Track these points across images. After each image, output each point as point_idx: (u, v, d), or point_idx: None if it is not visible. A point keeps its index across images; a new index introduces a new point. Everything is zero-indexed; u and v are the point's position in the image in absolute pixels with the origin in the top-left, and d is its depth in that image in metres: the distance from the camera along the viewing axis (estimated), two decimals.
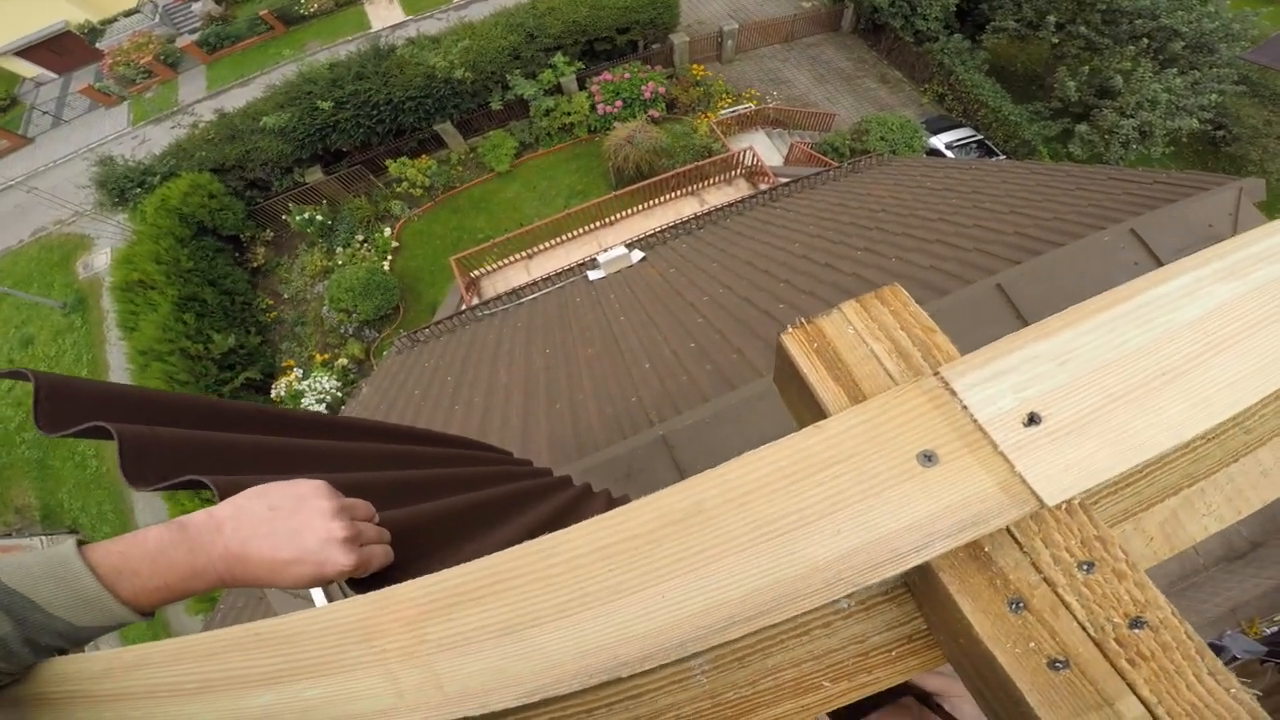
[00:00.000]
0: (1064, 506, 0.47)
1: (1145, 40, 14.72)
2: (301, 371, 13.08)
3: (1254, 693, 0.43)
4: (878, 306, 0.58)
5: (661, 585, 0.45)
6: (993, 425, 0.47)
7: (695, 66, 18.19)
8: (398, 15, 24.12)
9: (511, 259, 11.23)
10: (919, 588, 0.54)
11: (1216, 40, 14.27)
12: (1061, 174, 6.26)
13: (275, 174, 15.49)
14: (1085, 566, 0.46)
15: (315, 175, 15.68)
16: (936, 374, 0.51)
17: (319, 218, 15.17)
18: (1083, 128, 15.06)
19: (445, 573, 0.48)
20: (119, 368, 14.24)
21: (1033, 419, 0.46)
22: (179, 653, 0.50)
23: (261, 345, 13.84)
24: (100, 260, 17.18)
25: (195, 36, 24.22)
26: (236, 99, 18.78)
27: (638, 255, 7.95)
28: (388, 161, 16.06)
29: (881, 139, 15.00)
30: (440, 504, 1.05)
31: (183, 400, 0.86)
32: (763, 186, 11.10)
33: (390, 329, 13.82)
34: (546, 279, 8.29)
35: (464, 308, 8.62)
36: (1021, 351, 0.50)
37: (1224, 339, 0.49)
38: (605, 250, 8.12)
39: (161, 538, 0.60)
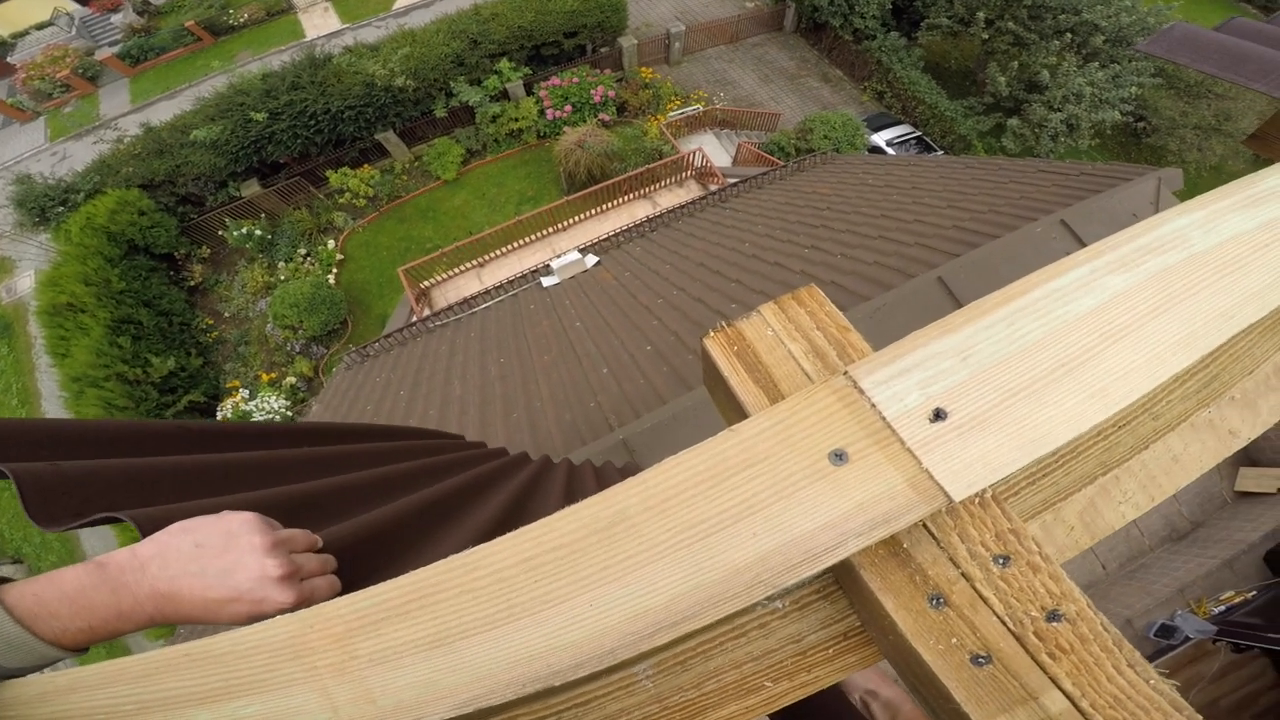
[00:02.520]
0: (977, 500, 0.49)
1: (1069, 35, 15.36)
2: (248, 392, 12.61)
3: (1173, 683, 0.45)
4: (795, 308, 0.59)
5: (588, 594, 0.45)
6: (900, 422, 0.48)
7: (644, 69, 18.27)
8: (334, 24, 23.61)
9: (462, 268, 11.07)
10: (847, 585, 0.55)
11: (1134, 34, 14.93)
12: (994, 167, 6.49)
13: (209, 188, 14.96)
14: (1001, 560, 0.48)
15: (252, 189, 15.19)
16: (845, 373, 0.52)
17: (258, 232, 14.69)
18: (1014, 122, 15.60)
19: (372, 589, 0.48)
20: (51, 395, 13.57)
21: (938, 415, 0.48)
22: (114, 675, 0.49)
23: (204, 367, 13.32)
24: (24, 283, 16.33)
25: (116, 49, 23.37)
26: (163, 112, 18.14)
27: (592, 260, 7.94)
28: (328, 172, 15.63)
29: (825, 137, 15.31)
30: (387, 511, 1.02)
31: (91, 427, 0.80)
32: (713, 187, 11.22)
33: (339, 344, 13.44)
34: (499, 287, 8.21)
35: (415, 320, 8.49)
36: (926, 348, 0.52)
37: (1117, 330, 0.51)
38: (559, 256, 8.08)
39: (79, 579, 0.58)
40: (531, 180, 16.32)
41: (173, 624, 0.62)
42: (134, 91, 22.42)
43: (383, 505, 1.04)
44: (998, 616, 0.47)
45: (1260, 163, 15.43)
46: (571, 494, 1.86)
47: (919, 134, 16.79)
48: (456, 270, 11.06)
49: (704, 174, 12.20)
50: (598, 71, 17.28)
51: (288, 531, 0.71)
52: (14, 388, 14.51)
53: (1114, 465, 0.66)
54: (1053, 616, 0.46)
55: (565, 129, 15.66)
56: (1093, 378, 0.49)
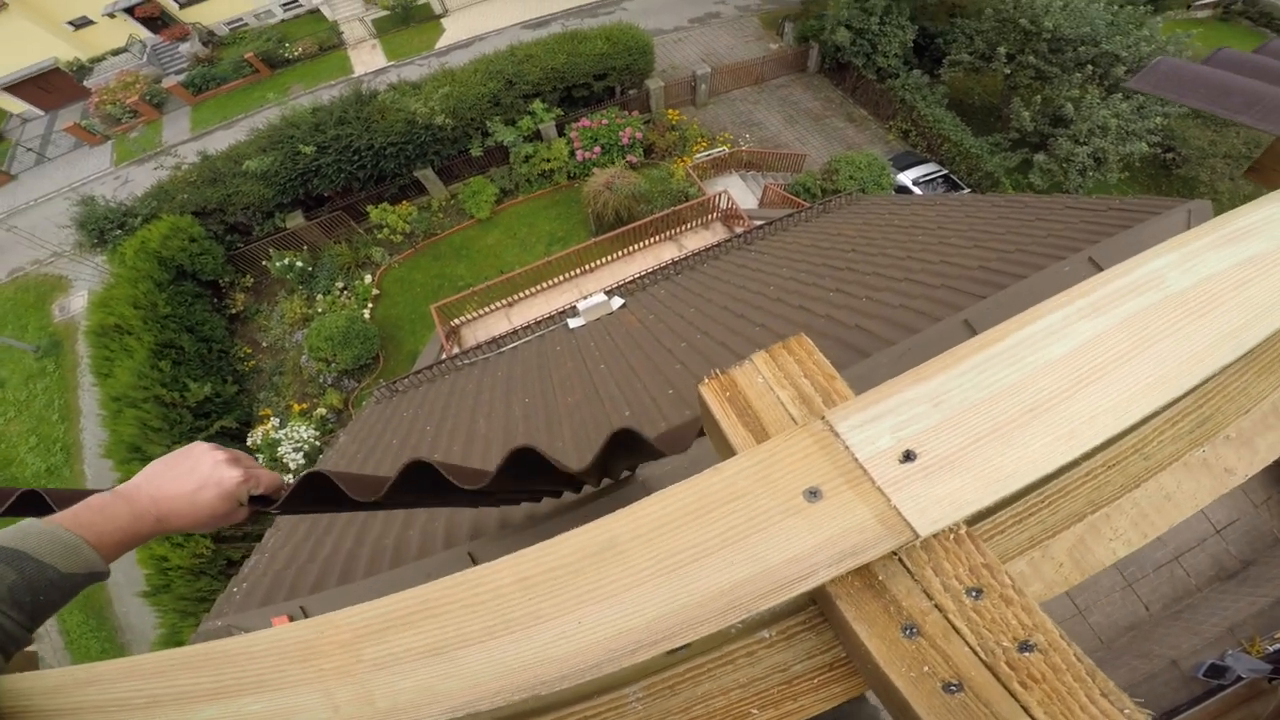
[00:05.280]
0: (951, 536, 0.52)
1: (1090, 67, 15.26)
2: (279, 420, 12.87)
3: (1148, 712, 0.46)
4: (785, 356, 0.63)
5: (577, 612, 0.48)
6: (871, 463, 0.51)
7: (671, 111, 18.51)
8: (380, 61, 24.56)
9: (492, 307, 11.20)
10: (829, 615, 0.57)
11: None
12: (1021, 205, 6.44)
13: (256, 218, 15.48)
14: (974, 593, 0.50)
15: (296, 220, 15.69)
16: (823, 418, 0.55)
17: (299, 264, 15.10)
18: (1041, 157, 15.46)
19: (380, 600, 0.52)
20: (91, 413, 14.01)
21: (908, 456, 0.51)
22: (129, 670, 0.53)
23: (238, 394, 13.66)
24: (77, 303, 17.01)
25: (181, 77, 24.47)
26: (220, 141, 18.90)
27: (617, 302, 8.01)
28: (369, 207, 16.09)
29: (850, 178, 15.29)
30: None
31: None
32: (738, 230, 11.24)
33: (370, 378, 13.70)
34: (527, 327, 8.28)
35: (444, 357, 8.57)
36: (900, 395, 0.54)
37: (1090, 373, 0.54)
38: (585, 298, 8.15)
39: (103, 498, 0.78)
40: (561, 220, 16.59)
41: (172, 528, 0.84)
42: (194, 119, 23.37)
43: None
44: (970, 646, 0.49)
45: None
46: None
47: (945, 172, 16.71)
48: (487, 309, 11.21)
49: (730, 216, 12.27)
50: (626, 113, 17.55)
51: (236, 452, 0.93)
52: (56, 404, 15.04)
53: (1104, 504, 0.68)
54: (1025, 647, 0.48)
55: (594, 170, 15.96)
56: (1061, 421, 0.52)
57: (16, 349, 16.00)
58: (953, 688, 0.48)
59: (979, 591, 0.50)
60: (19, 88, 25.57)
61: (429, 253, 16.50)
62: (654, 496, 0.52)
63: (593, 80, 16.96)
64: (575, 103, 17.47)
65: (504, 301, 11.22)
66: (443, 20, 26.54)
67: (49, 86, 26.15)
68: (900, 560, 0.51)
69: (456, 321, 11.15)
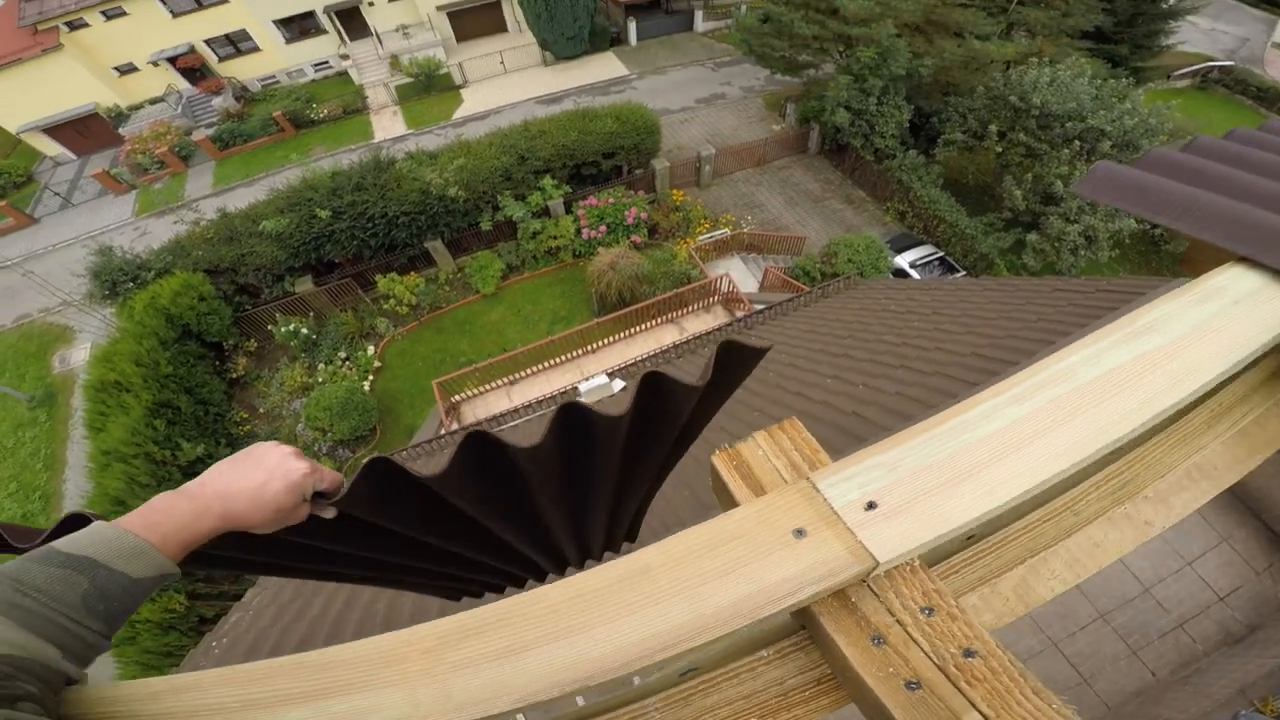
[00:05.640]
0: (908, 567, 0.67)
1: (1077, 143, 15.49)
2: None
3: (1073, 708, 0.60)
4: (780, 434, 0.80)
5: (616, 622, 0.62)
6: (843, 510, 0.67)
7: (675, 192, 18.78)
8: (400, 128, 25.24)
9: (493, 384, 11.18)
10: (814, 633, 0.72)
11: (1138, 137, 15.00)
12: (1012, 288, 6.61)
13: (267, 280, 15.51)
14: (926, 611, 0.65)
15: (306, 285, 15.74)
16: (807, 478, 0.71)
17: (304, 331, 15.11)
18: (1033, 236, 15.71)
19: (457, 615, 0.65)
20: (77, 465, 13.88)
21: (871, 505, 0.67)
22: (226, 678, 0.63)
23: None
24: (78, 355, 16.97)
25: (211, 131, 25.04)
26: (240, 198, 19.16)
27: (619, 384, 8.06)
28: (377, 277, 16.14)
29: (849, 261, 15.46)
30: None
31: None
32: (739, 314, 11.48)
33: (365, 450, 13.56)
34: (528, 406, 8.27)
35: (443, 433, 8.52)
36: (864, 462, 0.71)
37: (1010, 446, 0.70)
38: (587, 379, 8.18)
39: (166, 498, 0.78)
40: (565, 299, 16.64)
41: (237, 525, 0.83)
42: (217, 175, 23.74)
43: None
44: (925, 653, 0.63)
45: None
46: None
47: (941, 254, 16.88)
48: (488, 386, 11.18)
49: (731, 300, 12.43)
50: (632, 193, 17.77)
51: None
52: (43, 453, 14.88)
53: (1041, 550, 0.83)
54: (968, 653, 0.62)
55: (599, 249, 16.09)
56: (984, 481, 0.68)
57: (11, 397, 15.90)
58: (913, 686, 0.62)
59: (930, 610, 0.65)
60: (58, 130, 26.03)
61: (433, 326, 16.52)
62: (677, 535, 0.67)
63: (601, 159, 17.28)
64: (583, 180, 17.75)
65: (505, 380, 11.20)
66: (462, 91, 27.42)
67: (86, 131, 26.59)
68: (869, 586, 0.66)
69: (457, 398, 11.12)
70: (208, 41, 27.60)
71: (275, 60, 29.34)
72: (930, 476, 0.68)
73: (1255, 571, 3.69)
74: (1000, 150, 17.20)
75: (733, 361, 0.96)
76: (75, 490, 13.66)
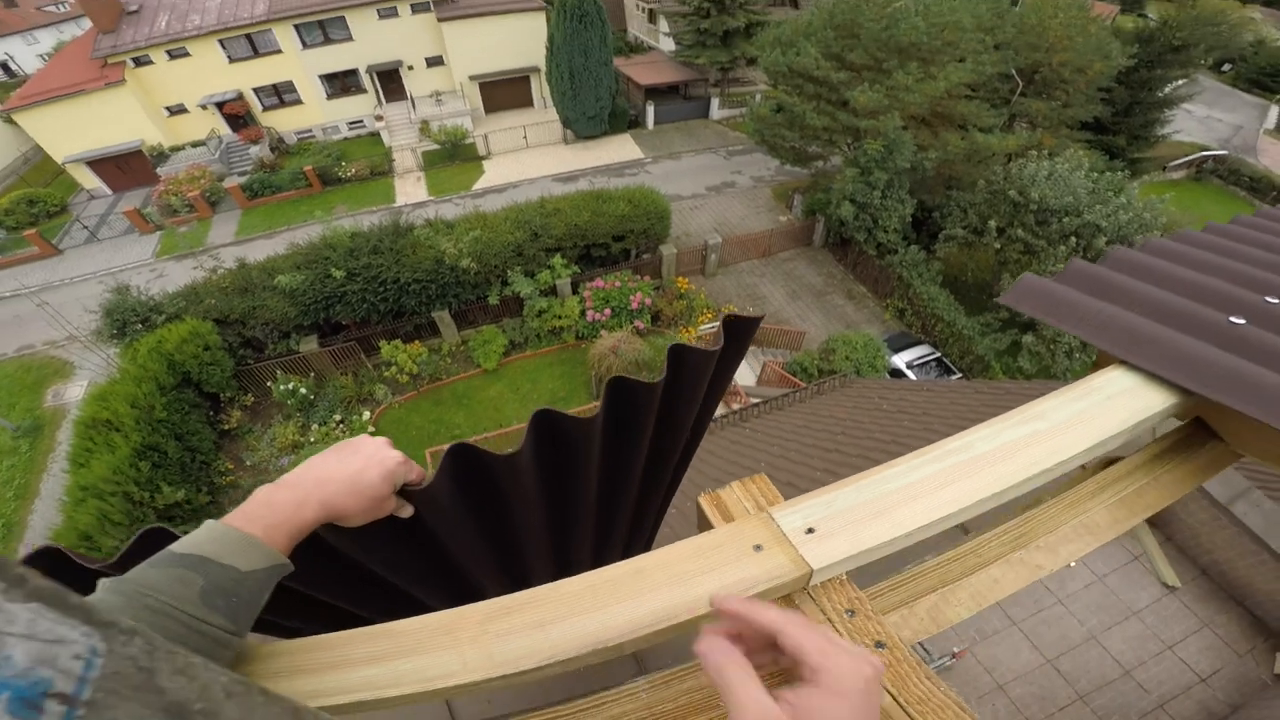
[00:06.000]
0: (838, 581, 0.90)
1: (1073, 239, 15.56)
2: None
3: (957, 694, 0.81)
4: (750, 484, 1.03)
5: (623, 604, 0.83)
6: (790, 533, 0.90)
7: (681, 279, 18.94)
8: (422, 194, 25.92)
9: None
10: None
11: (1133, 232, 15.16)
12: (1002, 391, 6.83)
13: (273, 336, 15.57)
14: (849, 613, 0.87)
15: (310, 345, 15.76)
16: (764, 510, 0.95)
17: (302, 390, 15.07)
18: (1029, 339, 15.66)
19: (499, 598, 0.86)
20: (50, 497, 13.84)
21: (810, 530, 0.90)
22: (338, 641, 0.82)
23: (209, 504, 13.30)
24: (73, 391, 16.99)
25: (243, 179, 25.50)
26: (259, 250, 19.39)
27: None
28: (382, 342, 16.18)
29: (847, 358, 15.52)
30: None
31: None
32: (735, 406, 11.65)
33: None
34: None
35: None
36: (808, 501, 0.95)
37: (915, 495, 0.94)
38: None
39: (265, 489, 0.82)
40: (564, 380, 16.63)
41: (334, 513, 0.85)
42: (242, 224, 24.08)
43: None
44: (848, 640, 0.84)
45: None
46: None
47: (938, 355, 16.87)
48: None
49: (729, 393, 12.54)
50: (638, 277, 17.91)
51: None
52: (16, 482, 14.82)
53: (950, 582, 1.07)
54: (879, 644, 0.84)
55: (602, 332, 16.19)
56: (894, 517, 0.91)
57: None
58: None
59: (852, 612, 0.87)
60: (100, 164, 26.75)
61: (431, 397, 16.50)
62: (666, 546, 0.90)
63: (612, 241, 17.56)
64: (592, 261, 17.97)
65: None
66: (484, 162, 28.29)
67: (127, 167, 27.31)
68: (808, 592, 0.89)
69: None
70: (255, 90, 28.94)
71: (314, 114, 30.69)
72: (855, 512, 0.92)
73: (1237, 654, 3.75)
74: (999, 246, 17.36)
75: (739, 330, 1.12)
76: (42, 522, 13.57)
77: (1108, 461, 1.39)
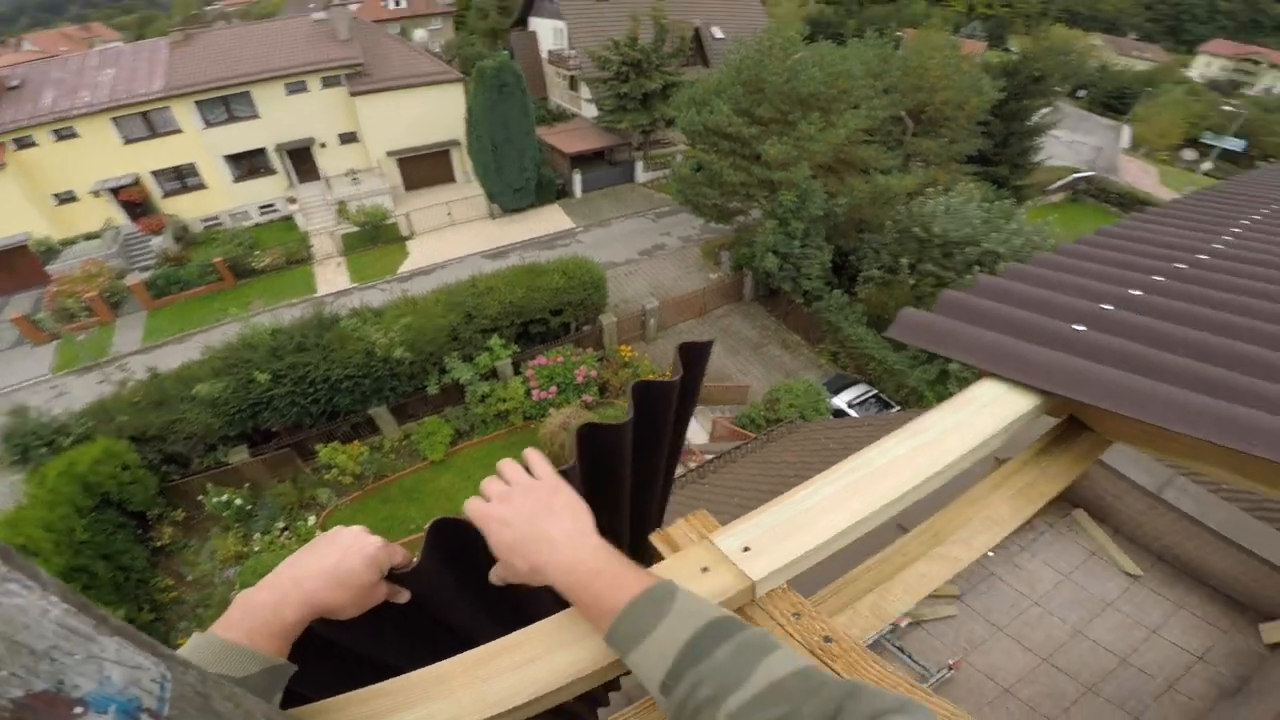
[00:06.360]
0: (781, 589, 1.04)
1: (977, 267, 16.54)
2: None
3: (904, 675, 0.95)
4: (693, 519, 1.18)
5: (591, 636, 0.95)
6: (730, 553, 1.04)
7: (623, 347, 18.91)
8: (344, 281, 24.43)
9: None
10: None
11: (1027, 254, 15.94)
12: None
13: (198, 449, 14.53)
14: (795, 616, 1.02)
15: (240, 455, 14.81)
16: (705, 538, 1.09)
17: (238, 501, 14.22)
18: (954, 365, 16.25)
19: (489, 644, 0.97)
20: None
21: (746, 549, 1.05)
22: (365, 696, 0.90)
23: (155, 621, 12.50)
24: None
25: (146, 275, 23.17)
26: (171, 356, 18.06)
27: None
28: (319, 446, 15.36)
29: (791, 405, 15.97)
30: None
31: None
32: (691, 464, 11.81)
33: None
34: None
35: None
36: (741, 525, 1.10)
37: (825, 509, 1.12)
38: None
39: (245, 593, 0.83)
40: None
41: (320, 608, 0.85)
42: (149, 328, 21.79)
43: None
44: (799, 642, 0.99)
45: None
46: None
47: (875, 392, 17.52)
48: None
49: (684, 452, 12.75)
50: (581, 350, 17.69)
51: None
52: None
53: (883, 581, 1.23)
54: (827, 639, 0.98)
55: (551, 410, 15.90)
56: (815, 529, 1.08)
57: None
58: None
59: (798, 615, 1.02)
60: None
61: (378, 494, 15.86)
62: None
63: (549, 315, 17.29)
64: (531, 339, 17.63)
65: None
66: (408, 243, 27.19)
67: (11, 266, 23.99)
68: (757, 604, 1.03)
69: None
70: (154, 173, 26.66)
71: (221, 199, 28.71)
72: (782, 528, 1.08)
73: (1221, 631, 3.91)
74: (914, 282, 18.22)
75: (694, 356, 1.23)
76: None
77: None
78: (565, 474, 1.04)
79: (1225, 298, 1.96)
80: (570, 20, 33.44)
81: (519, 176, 27.23)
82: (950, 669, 3.93)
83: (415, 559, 0.98)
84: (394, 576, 0.96)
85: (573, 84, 36.44)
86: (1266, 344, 1.59)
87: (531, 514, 0.93)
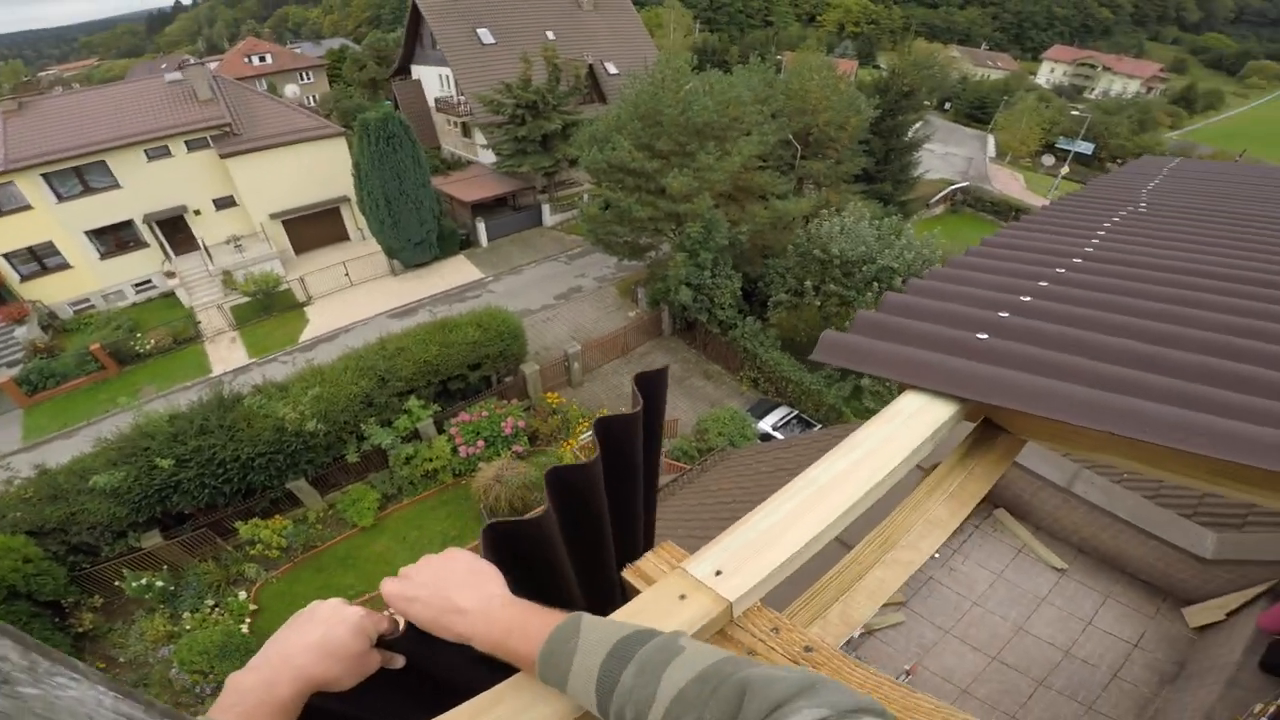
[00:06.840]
0: (757, 607, 1.12)
1: (876, 284, 17.29)
2: None
3: (888, 673, 1.04)
4: (661, 551, 1.24)
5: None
6: (703, 578, 1.11)
7: (550, 394, 18.73)
8: (240, 358, 22.86)
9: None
10: None
11: (920, 268, 16.93)
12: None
13: (106, 538, 13.79)
14: (774, 630, 1.09)
15: (154, 539, 14.14)
16: (677, 567, 1.16)
17: (159, 583, 13.55)
18: (866, 380, 17.06)
19: (488, 692, 0.99)
20: None
21: (718, 572, 1.12)
22: None
23: None
24: None
25: (15, 371, 21.19)
26: (60, 452, 16.89)
27: None
28: (237, 524, 14.75)
29: (719, 434, 16.29)
30: None
31: None
32: None
33: None
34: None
35: None
36: (709, 551, 1.18)
37: (783, 528, 1.21)
38: None
39: (235, 676, 0.82)
40: (453, 519, 15.97)
41: (315, 682, 0.84)
42: (28, 426, 20.20)
43: None
44: (782, 655, 1.06)
45: None
46: None
47: (797, 413, 18.03)
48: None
49: None
50: (505, 402, 17.39)
51: None
52: None
53: (846, 589, 1.32)
54: (808, 649, 1.06)
55: (481, 464, 15.55)
56: (779, 546, 1.17)
57: None
58: None
59: (776, 630, 1.09)
60: None
61: (310, 565, 15.29)
62: (616, 611, 1.08)
63: (468, 370, 16.92)
64: (452, 396, 17.26)
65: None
66: (307, 309, 25.93)
67: None
68: (735, 623, 1.10)
69: None
70: (6, 256, 23.98)
71: (88, 280, 26.19)
72: (749, 549, 1.16)
73: (1148, 616, 4.13)
74: (820, 303, 18.82)
75: (651, 385, 1.25)
76: None
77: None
78: (539, 520, 1.06)
79: (1103, 298, 2.21)
80: (456, 66, 32.60)
81: (418, 230, 26.29)
82: (908, 674, 4.07)
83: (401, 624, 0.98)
84: (386, 643, 0.97)
85: (465, 130, 35.59)
86: (1144, 338, 1.81)
87: (436, 588, 0.95)
